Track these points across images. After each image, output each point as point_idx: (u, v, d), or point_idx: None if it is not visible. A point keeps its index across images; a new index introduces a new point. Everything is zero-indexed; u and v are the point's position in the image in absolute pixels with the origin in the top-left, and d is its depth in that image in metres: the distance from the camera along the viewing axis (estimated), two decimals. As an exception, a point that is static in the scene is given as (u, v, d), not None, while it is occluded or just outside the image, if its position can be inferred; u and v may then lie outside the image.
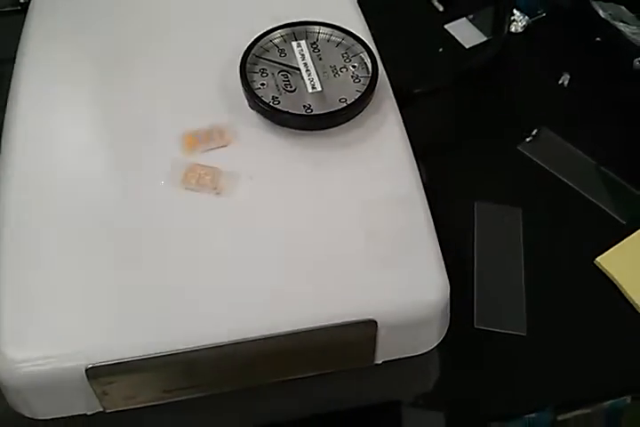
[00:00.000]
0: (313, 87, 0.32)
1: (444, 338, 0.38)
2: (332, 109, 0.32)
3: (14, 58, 0.37)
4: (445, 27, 0.60)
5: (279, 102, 0.32)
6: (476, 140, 0.54)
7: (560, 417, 0.43)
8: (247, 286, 0.27)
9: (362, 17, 0.38)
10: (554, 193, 0.51)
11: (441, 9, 0.62)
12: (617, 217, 0.51)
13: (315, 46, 0.35)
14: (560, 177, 0.52)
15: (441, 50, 0.59)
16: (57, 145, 0.32)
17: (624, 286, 0.47)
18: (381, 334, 0.28)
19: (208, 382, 0.28)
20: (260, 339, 0.25)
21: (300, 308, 0.27)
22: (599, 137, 0.55)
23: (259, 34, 0.34)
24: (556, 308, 0.46)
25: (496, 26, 0.60)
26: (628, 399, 0.43)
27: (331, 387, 0.32)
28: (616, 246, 0.49)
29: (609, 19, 0.65)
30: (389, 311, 0.28)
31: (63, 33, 0.37)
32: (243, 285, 0.27)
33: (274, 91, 0.33)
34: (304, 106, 0.32)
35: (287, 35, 0.35)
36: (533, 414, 0.43)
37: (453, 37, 0.60)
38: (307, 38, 0.35)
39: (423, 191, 0.32)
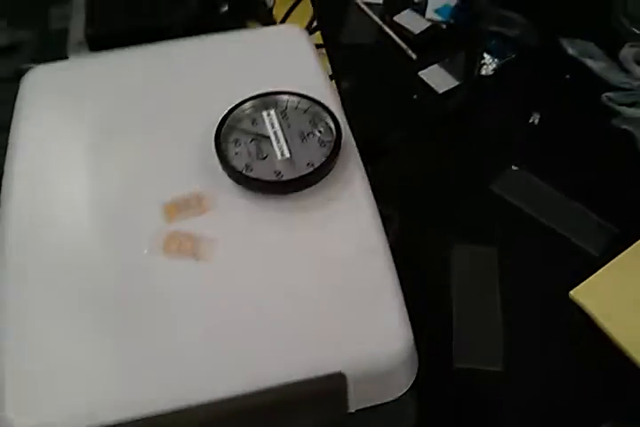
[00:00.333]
0: (282, 154, 0.35)
1: (426, 378, 0.40)
2: (300, 174, 0.35)
3: (9, 127, 0.40)
4: (419, 74, 0.64)
5: (252, 170, 0.35)
6: (451, 181, 0.57)
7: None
8: (222, 348, 0.30)
9: (329, 83, 0.41)
10: (527, 230, 0.54)
11: (414, 57, 0.65)
12: (590, 250, 0.53)
13: (284, 114, 0.38)
14: (532, 214, 0.54)
15: (415, 96, 0.62)
16: (50, 218, 0.35)
17: (598, 318, 0.49)
18: (351, 385, 0.30)
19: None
20: (237, 397, 0.28)
21: (273, 365, 0.29)
22: (569, 173, 0.58)
23: (232, 106, 0.37)
24: (533, 341, 0.48)
25: (467, 70, 0.64)
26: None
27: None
28: (589, 279, 0.51)
29: (578, 56, 0.68)
30: (357, 363, 0.30)
31: (54, 110, 0.40)
32: (218, 346, 0.30)
33: (247, 159, 0.36)
34: (275, 172, 0.35)
35: (258, 105, 0.38)
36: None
37: (426, 84, 0.63)
38: (276, 107, 0.38)
39: (388, 248, 0.34)
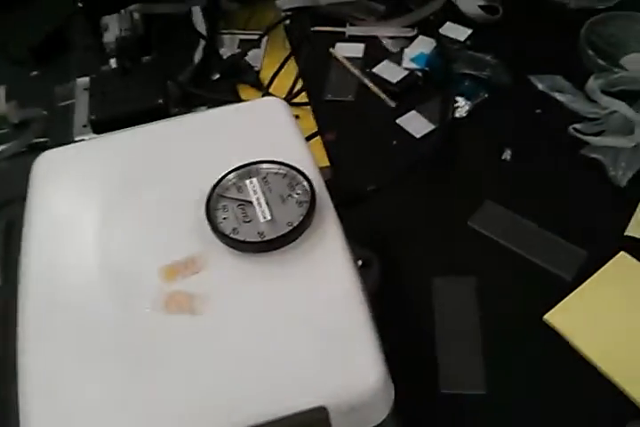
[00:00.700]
0: (264, 217, 0.41)
1: (413, 403, 0.45)
2: (280, 233, 0.40)
3: (20, 197, 0.46)
4: (397, 121, 0.70)
5: (238, 233, 0.41)
6: (431, 219, 0.62)
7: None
8: (218, 389, 0.35)
9: (306, 149, 0.46)
10: (503, 259, 0.59)
11: (393, 105, 0.71)
12: (562, 274, 0.58)
13: (265, 180, 0.43)
14: (507, 244, 0.59)
15: (395, 142, 0.68)
16: (65, 281, 0.41)
17: (572, 340, 0.54)
18: (333, 416, 0.35)
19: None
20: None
21: (263, 403, 0.34)
22: (541, 203, 0.63)
23: (219, 176, 0.43)
24: (512, 365, 0.53)
25: (442, 114, 0.69)
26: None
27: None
28: (561, 303, 0.56)
29: (547, 90, 0.74)
30: (337, 397, 0.35)
31: (64, 188, 0.46)
32: (214, 388, 0.35)
33: (234, 223, 0.41)
34: (258, 233, 0.41)
35: (242, 174, 0.43)
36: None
37: (405, 130, 0.69)
38: (258, 175, 0.43)
39: (362, 292, 0.39)
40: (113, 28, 0.65)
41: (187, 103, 0.62)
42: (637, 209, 0.61)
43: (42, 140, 0.63)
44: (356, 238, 0.43)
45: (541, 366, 0.52)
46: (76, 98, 0.64)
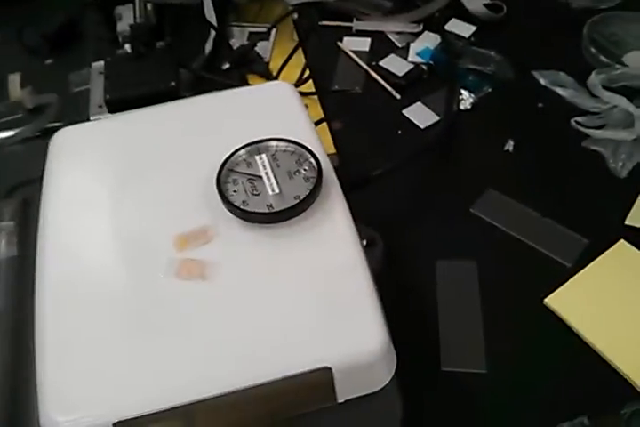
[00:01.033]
0: (272, 191, 0.42)
1: (416, 379, 0.46)
2: (288, 206, 0.42)
3: (37, 178, 0.47)
4: (403, 112, 0.71)
5: (248, 204, 0.42)
6: (435, 205, 0.64)
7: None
8: (228, 350, 0.36)
9: (313, 129, 0.47)
10: (504, 245, 0.60)
11: (399, 97, 0.73)
12: (562, 261, 0.59)
13: (274, 157, 0.45)
14: (509, 231, 0.61)
15: (400, 132, 0.69)
16: (83, 251, 0.42)
17: (572, 322, 0.55)
18: (337, 377, 0.36)
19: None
20: (241, 390, 0.35)
21: (271, 363, 0.36)
22: (542, 192, 0.64)
23: (230, 152, 0.44)
24: (512, 346, 0.54)
25: (446, 106, 0.71)
26: (585, 420, 0.49)
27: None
28: (562, 287, 0.57)
29: (549, 85, 0.75)
30: (341, 359, 0.36)
31: (80, 163, 0.47)
32: (225, 348, 0.36)
33: (243, 196, 0.43)
34: (267, 205, 0.42)
35: (252, 150, 0.45)
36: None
37: (410, 120, 0.70)
38: (267, 152, 0.45)
39: (365, 262, 0.41)
40: (126, 18, 0.67)
41: (198, 88, 0.63)
42: (637, 199, 0.62)
43: (56, 124, 0.65)
44: (361, 221, 0.44)
45: (540, 347, 0.53)
46: (91, 80, 0.65)
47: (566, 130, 0.69)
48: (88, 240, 0.43)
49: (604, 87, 0.71)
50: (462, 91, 0.72)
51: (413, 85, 0.73)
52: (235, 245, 0.41)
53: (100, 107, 0.63)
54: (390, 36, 0.79)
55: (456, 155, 0.68)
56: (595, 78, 0.72)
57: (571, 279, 0.57)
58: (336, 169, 0.45)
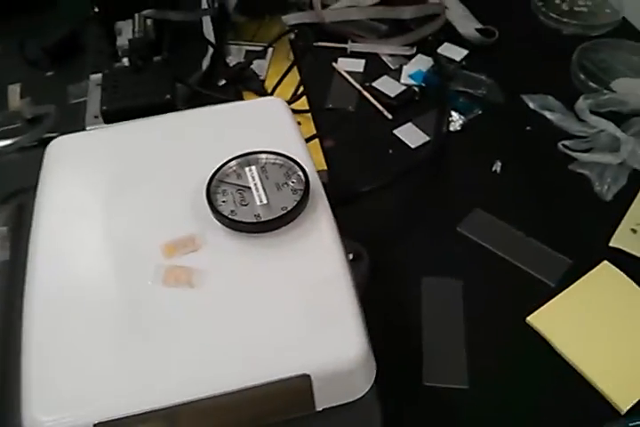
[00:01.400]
0: (261, 201, 0.43)
1: (398, 393, 0.46)
2: (275, 216, 0.42)
3: (32, 186, 0.48)
4: (394, 132, 0.73)
5: (236, 214, 0.43)
6: (422, 223, 0.65)
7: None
8: (211, 355, 0.37)
9: (303, 143, 0.49)
10: (489, 264, 0.61)
11: (390, 117, 0.74)
12: (546, 280, 0.59)
13: (263, 169, 0.46)
14: (494, 250, 0.61)
15: (391, 151, 0.71)
16: (72, 257, 0.43)
17: (553, 341, 0.55)
18: (315, 385, 0.37)
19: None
20: (219, 395, 0.35)
21: (251, 369, 0.36)
22: (528, 213, 0.65)
23: (220, 164, 0.45)
24: (494, 362, 0.54)
25: (437, 127, 0.72)
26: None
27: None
28: (544, 306, 0.57)
29: (538, 109, 0.77)
30: (320, 366, 0.36)
31: (74, 172, 0.48)
32: (208, 354, 0.37)
33: (232, 206, 0.44)
34: (254, 215, 0.43)
35: (242, 162, 0.46)
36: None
37: (401, 140, 0.72)
38: (257, 164, 0.46)
39: (348, 273, 0.41)
40: (126, 33, 0.68)
41: (193, 103, 0.65)
42: (622, 222, 0.63)
43: (53, 134, 0.66)
44: (348, 235, 0.45)
45: (522, 365, 0.53)
46: (89, 92, 0.66)
47: (553, 153, 0.70)
48: (78, 246, 0.43)
49: (592, 112, 0.73)
50: (453, 112, 0.74)
51: (405, 106, 0.75)
52: (222, 254, 0.42)
53: (96, 117, 0.64)
54: (384, 58, 0.81)
55: (445, 174, 0.69)
56: (582, 103, 0.73)
57: (553, 299, 0.57)
58: (325, 185, 0.46)
